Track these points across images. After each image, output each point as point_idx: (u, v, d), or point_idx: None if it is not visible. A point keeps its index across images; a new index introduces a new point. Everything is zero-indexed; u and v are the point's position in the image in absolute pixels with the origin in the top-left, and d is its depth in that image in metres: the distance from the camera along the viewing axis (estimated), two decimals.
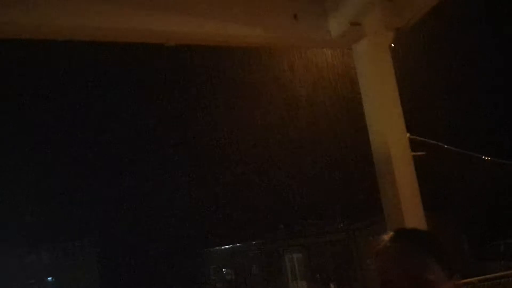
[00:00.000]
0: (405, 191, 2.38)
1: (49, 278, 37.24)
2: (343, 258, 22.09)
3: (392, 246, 1.19)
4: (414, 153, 2.40)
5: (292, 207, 28.97)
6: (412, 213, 2.37)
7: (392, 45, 2.64)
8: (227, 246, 32.42)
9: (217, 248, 33.19)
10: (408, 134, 2.51)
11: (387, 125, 2.47)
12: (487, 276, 8.38)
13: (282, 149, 27.77)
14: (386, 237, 1.25)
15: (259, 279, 28.48)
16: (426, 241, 1.22)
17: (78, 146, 45.95)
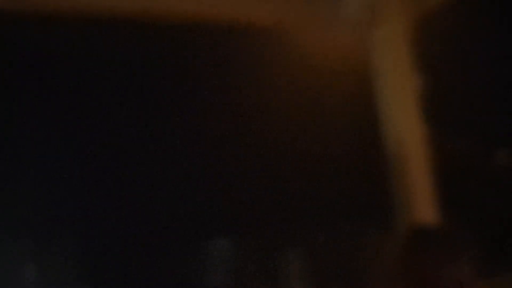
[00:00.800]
0: (418, 187, 2.30)
1: (29, 266, 37.30)
2: (344, 259, 22.07)
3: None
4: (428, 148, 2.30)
5: (295, 203, 28.89)
6: (425, 209, 2.28)
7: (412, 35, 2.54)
8: (222, 240, 32.51)
9: (211, 241, 33.25)
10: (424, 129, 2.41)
11: (402, 119, 2.38)
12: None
13: (284, 145, 27.69)
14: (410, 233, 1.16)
15: (256, 274, 28.55)
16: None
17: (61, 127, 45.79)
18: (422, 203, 2.29)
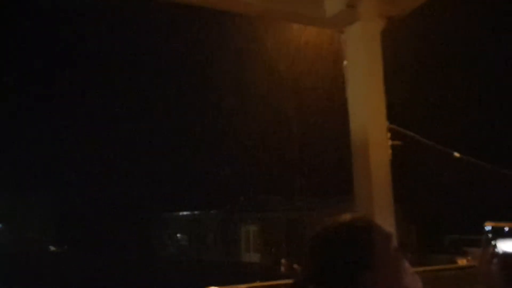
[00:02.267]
0: (378, 178, 2.42)
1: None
2: (297, 235, 22.57)
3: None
4: (391, 142, 2.43)
5: (255, 180, 29.21)
6: (382, 200, 2.42)
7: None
8: (185, 213, 32.49)
9: (175, 213, 33.22)
10: (387, 124, 2.54)
11: (368, 112, 2.49)
12: (429, 267, 8.76)
13: (250, 121, 27.78)
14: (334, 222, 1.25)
15: (213, 247, 28.80)
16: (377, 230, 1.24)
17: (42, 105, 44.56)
18: (379, 192, 2.43)
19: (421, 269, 8.35)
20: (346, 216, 1.27)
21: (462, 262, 15.05)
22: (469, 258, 15.25)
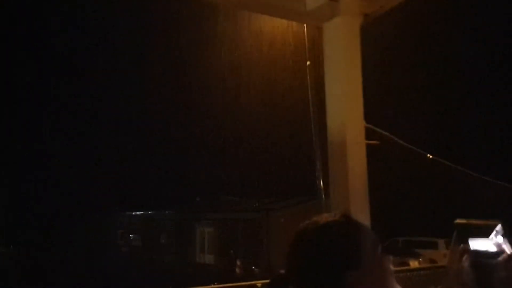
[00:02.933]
0: (355, 177, 2.38)
1: None
2: (254, 237, 22.56)
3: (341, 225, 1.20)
4: (368, 142, 2.39)
5: (211, 181, 29.00)
6: (358, 198, 2.38)
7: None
8: (138, 213, 31.82)
9: (128, 213, 32.48)
10: (364, 122, 2.50)
11: (346, 110, 2.45)
12: None
13: (207, 121, 27.57)
14: (330, 216, 1.24)
15: (166, 248, 28.34)
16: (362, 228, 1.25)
17: None
18: (355, 191, 2.39)
19: None
20: (330, 216, 1.24)
21: (414, 264, 15.48)
22: (420, 260, 15.68)
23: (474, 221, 1.27)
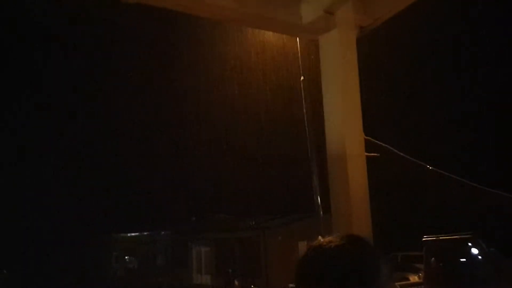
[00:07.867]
0: (356, 190, 2.35)
1: None
2: (251, 256, 22.34)
3: (347, 248, 1.20)
4: (367, 154, 2.36)
5: (206, 200, 28.81)
6: (360, 212, 2.34)
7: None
8: (133, 234, 31.47)
9: (123, 235, 32.10)
10: (363, 134, 2.47)
11: (345, 122, 2.42)
12: None
13: (202, 140, 27.51)
14: (335, 238, 1.23)
15: (163, 269, 27.98)
16: (374, 249, 1.26)
17: None
18: (357, 205, 2.34)
19: None
20: (338, 236, 1.26)
21: (413, 279, 15.33)
22: (420, 275, 15.53)
23: (443, 237, 1.26)
